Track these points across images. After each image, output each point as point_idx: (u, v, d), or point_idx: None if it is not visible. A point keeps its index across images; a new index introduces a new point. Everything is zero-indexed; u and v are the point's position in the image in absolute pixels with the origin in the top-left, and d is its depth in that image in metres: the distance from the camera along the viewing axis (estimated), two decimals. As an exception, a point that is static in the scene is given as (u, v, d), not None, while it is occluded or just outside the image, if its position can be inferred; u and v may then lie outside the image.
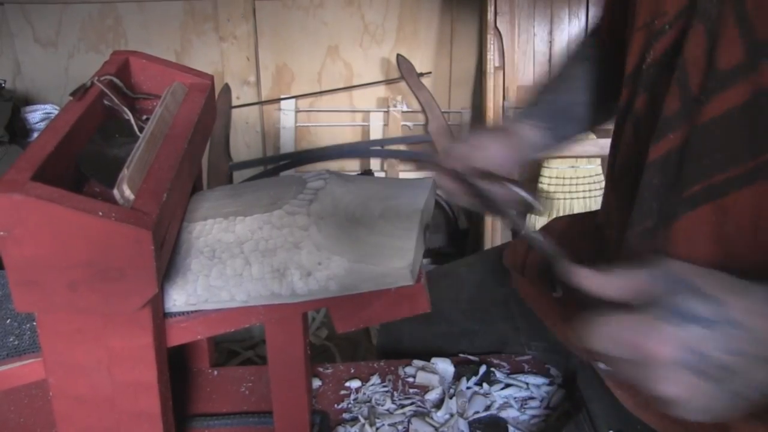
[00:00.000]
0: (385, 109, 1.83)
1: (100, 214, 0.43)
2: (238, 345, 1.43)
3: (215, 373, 0.79)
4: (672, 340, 0.38)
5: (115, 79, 0.61)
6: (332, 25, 1.80)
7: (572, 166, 1.69)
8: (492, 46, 1.68)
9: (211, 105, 0.66)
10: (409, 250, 0.51)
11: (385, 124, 1.83)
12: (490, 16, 1.67)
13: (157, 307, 0.52)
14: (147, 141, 0.53)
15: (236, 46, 1.76)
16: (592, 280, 0.43)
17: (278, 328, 0.60)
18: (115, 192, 0.48)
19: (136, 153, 0.51)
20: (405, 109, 1.81)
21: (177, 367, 0.80)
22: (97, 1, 1.71)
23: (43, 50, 1.77)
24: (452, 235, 1.85)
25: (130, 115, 0.59)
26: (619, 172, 0.63)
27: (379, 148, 1.80)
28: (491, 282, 0.85)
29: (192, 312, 0.56)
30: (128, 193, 0.47)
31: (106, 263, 0.45)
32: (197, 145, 0.59)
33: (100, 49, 1.76)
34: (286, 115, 1.82)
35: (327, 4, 1.77)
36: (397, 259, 0.51)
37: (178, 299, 0.54)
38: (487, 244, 1.74)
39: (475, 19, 1.80)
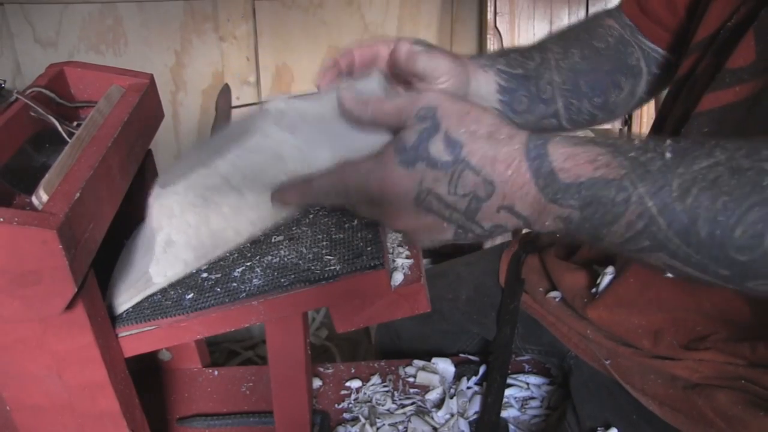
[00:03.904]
0: (385, 109, 1.82)
1: (1, 220, 0.43)
2: (238, 345, 1.44)
3: (215, 373, 0.79)
4: (404, 181, 0.42)
5: (45, 91, 0.61)
6: (332, 25, 1.79)
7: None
8: (492, 46, 1.68)
9: (151, 102, 0.67)
10: None
11: (385, 124, 1.83)
12: (490, 16, 1.67)
13: (93, 304, 0.52)
14: (71, 145, 0.53)
15: (236, 46, 1.75)
16: (358, 102, 0.46)
17: (278, 328, 0.60)
18: (33, 198, 0.48)
19: (59, 158, 0.51)
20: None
21: (173, 368, 0.80)
22: (97, 1, 1.71)
23: (43, 50, 1.77)
24: (452, 235, 1.85)
25: (57, 124, 0.60)
26: (658, 125, 0.63)
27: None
28: (490, 282, 0.85)
29: (192, 312, 0.56)
30: (45, 197, 0.47)
31: (19, 268, 0.44)
32: (130, 142, 0.60)
33: (100, 49, 1.76)
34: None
35: (327, 4, 1.77)
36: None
37: (187, 257, 0.54)
38: (487, 244, 1.74)
39: (475, 19, 1.80)
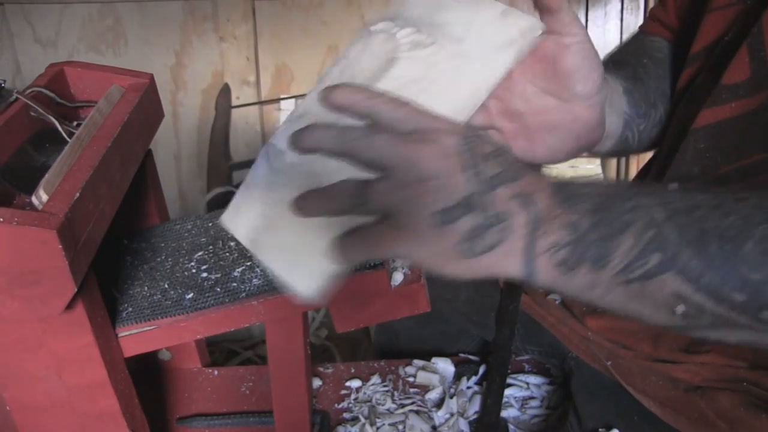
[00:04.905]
0: (385, 109, 1.82)
1: (1, 220, 0.43)
2: (238, 345, 1.44)
3: (215, 373, 0.79)
4: (456, 126, 0.39)
5: (45, 91, 0.61)
6: (332, 25, 1.79)
7: (572, 166, 1.69)
8: (492, 46, 1.68)
9: (151, 102, 0.67)
10: None
11: (385, 124, 1.83)
12: (490, 16, 1.67)
13: (93, 304, 0.52)
14: (71, 145, 0.53)
15: (236, 46, 1.75)
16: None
17: (278, 328, 0.61)
18: (33, 198, 0.48)
19: (59, 158, 0.51)
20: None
21: (173, 367, 0.80)
22: (97, 1, 1.71)
23: (43, 50, 1.77)
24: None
25: (57, 124, 0.60)
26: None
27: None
28: (489, 282, 0.85)
29: (192, 312, 0.56)
30: (45, 197, 0.47)
31: (18, 268, 0.44)
32: (130, 142, 0.60)
33: (100, 49, 1.76)
34: (286, 115, 1.82)
35: (327, 4, 1.77)
36: None
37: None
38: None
39: (475, 19, 1.80)
